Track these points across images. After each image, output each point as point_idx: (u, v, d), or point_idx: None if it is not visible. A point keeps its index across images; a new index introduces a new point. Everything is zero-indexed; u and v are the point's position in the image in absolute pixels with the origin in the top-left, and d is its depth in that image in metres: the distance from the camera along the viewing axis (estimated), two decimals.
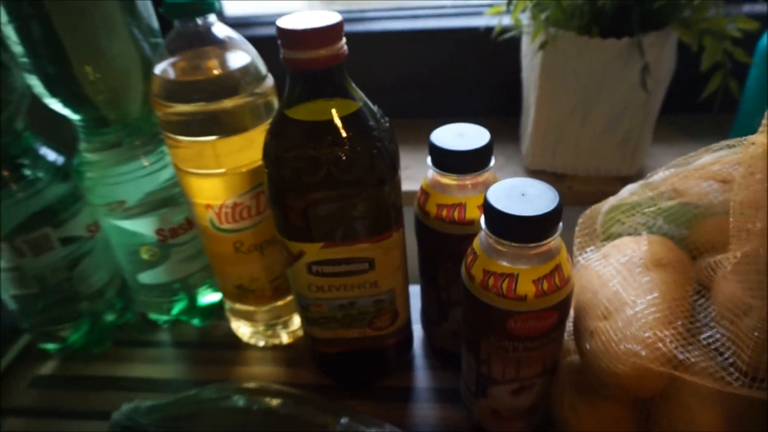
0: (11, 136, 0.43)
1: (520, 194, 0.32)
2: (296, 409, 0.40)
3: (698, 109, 0.66)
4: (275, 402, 0.41)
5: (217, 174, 0.40)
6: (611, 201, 0.39)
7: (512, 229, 0.32)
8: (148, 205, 0.45)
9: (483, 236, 0.34)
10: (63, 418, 0.47)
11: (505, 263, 0.33)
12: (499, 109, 0.77)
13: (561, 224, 0.33)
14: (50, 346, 0.51)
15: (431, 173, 0.40)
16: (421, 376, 0.48)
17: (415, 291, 0.47)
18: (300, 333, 0.52)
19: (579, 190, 0.64)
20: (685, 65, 0.60)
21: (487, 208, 0.33)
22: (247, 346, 0.52)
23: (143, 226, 0.46)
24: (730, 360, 0.29)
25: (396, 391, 0.46)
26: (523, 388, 0.38)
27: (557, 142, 0.65)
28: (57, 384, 0.50)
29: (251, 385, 0.45)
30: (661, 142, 0.70)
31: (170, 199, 0.46)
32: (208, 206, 0.41)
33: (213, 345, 0.52)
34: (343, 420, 0.39)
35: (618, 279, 0.34)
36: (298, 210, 0.36)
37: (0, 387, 0.50)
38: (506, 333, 0.35)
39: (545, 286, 0.33)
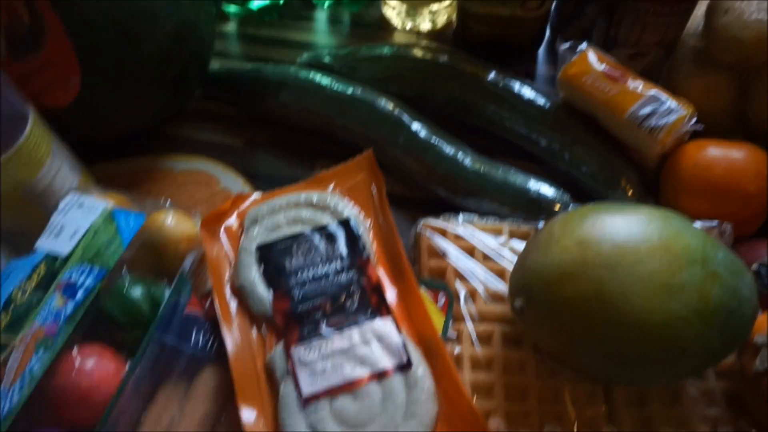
0: None
1: None
2: (453, 59, 0.50)
3: None
4: (437, 54, 0.51)
5: None
6: None
7: None
8: None
9: None
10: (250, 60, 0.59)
11: None
12: None
13: None
14: (232, 8, 0.61)
15: None
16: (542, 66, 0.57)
17: None
18: (439, 25, 0.60)
19: None
20: None
21: None
22: (395, 30, 0.61)
23: None
24: None
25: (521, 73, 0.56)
26: (638, 54, 0.47)
27: None
28: (238, 39, 0.61)
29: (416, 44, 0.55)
30: None
31: None
32: None
33: (363, 25, 0.62)
34: (492, 73, 0.49)
35: None
36: None
37: None
38: None
39: None
